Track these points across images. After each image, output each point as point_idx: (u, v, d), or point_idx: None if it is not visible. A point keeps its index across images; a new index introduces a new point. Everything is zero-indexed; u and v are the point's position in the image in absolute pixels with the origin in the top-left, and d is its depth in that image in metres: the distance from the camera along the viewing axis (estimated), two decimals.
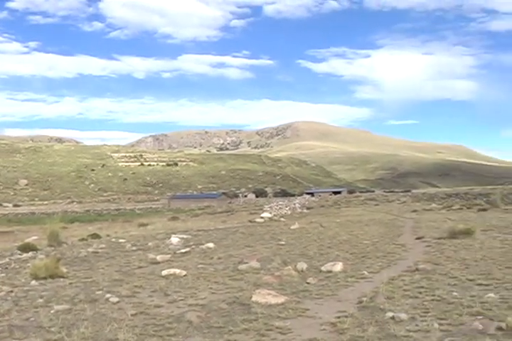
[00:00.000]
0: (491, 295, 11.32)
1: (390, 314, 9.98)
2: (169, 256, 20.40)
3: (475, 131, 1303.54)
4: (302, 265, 16.21)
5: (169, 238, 27.30)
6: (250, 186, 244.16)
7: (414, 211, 55.75)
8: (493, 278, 13.30)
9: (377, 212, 59.97)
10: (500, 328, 8.89)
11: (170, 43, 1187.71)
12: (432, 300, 11.22)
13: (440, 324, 9.31)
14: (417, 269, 15.07)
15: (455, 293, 11.68)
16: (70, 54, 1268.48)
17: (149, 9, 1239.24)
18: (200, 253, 21.36)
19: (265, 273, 15.43)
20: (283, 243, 24.00)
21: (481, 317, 9.70)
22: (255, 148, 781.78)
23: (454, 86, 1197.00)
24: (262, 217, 50.95)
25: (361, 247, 21.39)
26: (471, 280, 13.25)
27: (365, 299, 11.51)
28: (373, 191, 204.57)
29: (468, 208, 54.22)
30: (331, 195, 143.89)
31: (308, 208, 77.35)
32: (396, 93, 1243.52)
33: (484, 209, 49.55)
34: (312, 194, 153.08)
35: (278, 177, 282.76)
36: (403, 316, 9.78)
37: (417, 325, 9.29)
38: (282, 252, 20.71)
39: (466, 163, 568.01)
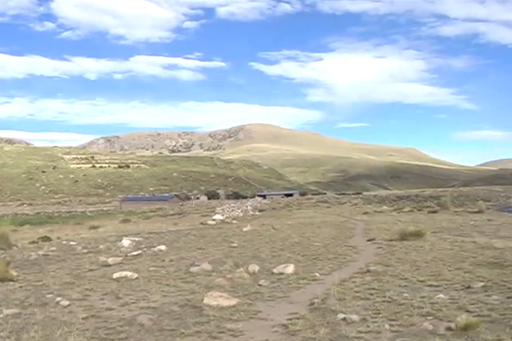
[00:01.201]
0: (441, 296, 11.46)
1: (342, 315, 10.05)
2: (121, 258, 20.27)
3: (426, 134, 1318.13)
4: (254, 267, 16.22)
5: (121, 240, 27.13)
6: (202, 188, 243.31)
7: (366, 213, 56.22)
8: (443, 279, 13.46)
9: (328, 214, 60.34)
10: (449, 328, 9.03)
11: (122, 44, 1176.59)
12: (383, 301, 11.32)
13: (391, 325, 9.41)
14: (368, 271, 15.20)
15: (406, 294, 11.80)
16: (21, 54, 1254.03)
17: (101, 10, 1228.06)
18: (151, 256, 21.28)
19: (217, 276, 15.41)
20: (235, 245, 24.02)
21: (431, 317, 9.83)
22: (207, 150, 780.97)
23: (405, 89, 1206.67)
24: (214, 219, 51.04)
25: (313, 249, 21.50)
26: (421, 281, 13.41)
27: (316, 301, 11.56)
28: (325, 193, 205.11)
29: (418, 210, 54.92)
30: (283, 197, 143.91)
31: (260, 210, 77.58)
32: (348, 96, 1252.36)
33: (434, 211, 50.27)
34: (264, 196, 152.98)
35: (230, 180, 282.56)
36: (354, 317, 9.85)
37: (368, 326, 9.37)
38: (234, 254, 20.71)
39: (417, 165, 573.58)
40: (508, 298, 11.20)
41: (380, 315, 10.10)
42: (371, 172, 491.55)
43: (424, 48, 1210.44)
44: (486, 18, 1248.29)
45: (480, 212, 48.39)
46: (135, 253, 21.95)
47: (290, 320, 10.14)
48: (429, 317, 9.83)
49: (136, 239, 28.62)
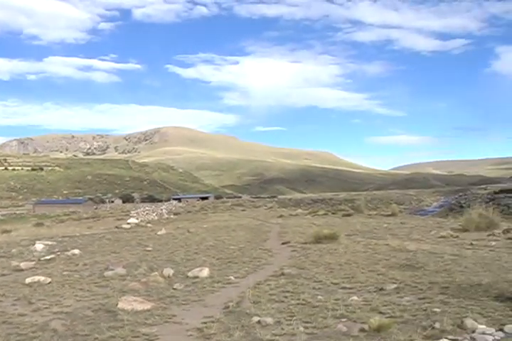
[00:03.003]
0: (355, 298, 11.60)
1: (256, 318, 10.07)
2: (33, 263, 19.96)
3: (340, 139, 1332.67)
4: (169, 271, 16.16)
5: (34, 244, 26.73)
6: (117, 191, 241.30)
7: (281, 216, 56.66)
8: (357, 282, 13.64)
9: (244, 217, 60.55)
10: (363, 330, 9.14)
11: (36, 45, 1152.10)
12: (298, 303, 11.39)
13: (305, 327, 9.46)
14: (282, 274, 15.27)
15: (320, 297, 11.89)
16: None
17: (15, 9, 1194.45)
18: (65, 260, 20.99)
19: (131, 280, 15.29)
20: (150, 249, 23.89)
21: (344, 319, 9.94)
22: (122, 153, 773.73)
23: (320, 94, 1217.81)
24: (128, 223, 50.76)
25: (228, 252, 21.54)
26: (335, 283, 13.54)
27: (231, 304, 11.56)
28: (240, 197, 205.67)
29: (333, 213, 55.65)
30: (198, 200, 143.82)
31: (175, 214, 77.29)
32: (263, 100, 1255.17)
33: (349, 215, 51.07)
34: (179, 199, 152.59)
35: (145, 183, 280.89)
36: (269, 320, 9.88)
37: (282, 329, 9.40)
38: (149, 258, 20.60)
39: (332, 169, 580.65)
40: (420, 299, 11.41)
41: (295, 318, 10.15)
42: (286, 176, 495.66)
43: (339, 53, 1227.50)
44: (399, 25, 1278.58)
45: (393, 215, 49.41)
46: (48, 257, 21.63)
47: (205, 323, 10.11)
48: (343, 319, 9.94)
49: (50, 243, 28.22)
